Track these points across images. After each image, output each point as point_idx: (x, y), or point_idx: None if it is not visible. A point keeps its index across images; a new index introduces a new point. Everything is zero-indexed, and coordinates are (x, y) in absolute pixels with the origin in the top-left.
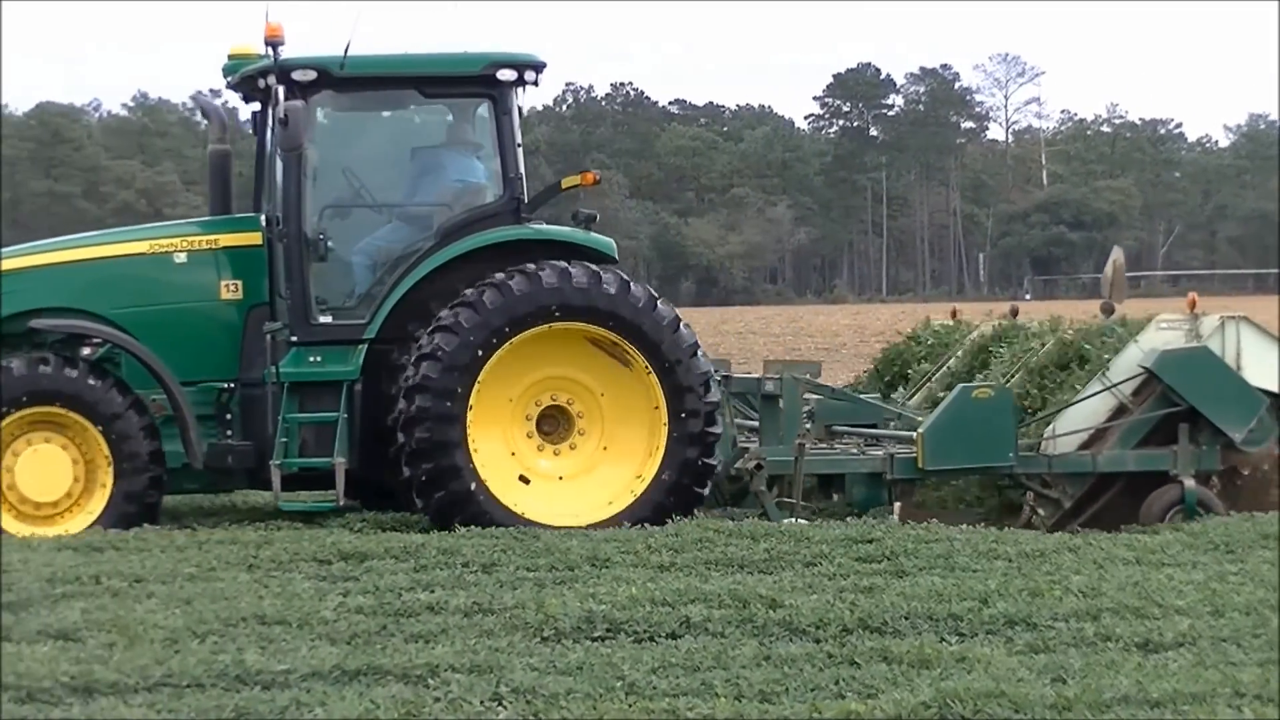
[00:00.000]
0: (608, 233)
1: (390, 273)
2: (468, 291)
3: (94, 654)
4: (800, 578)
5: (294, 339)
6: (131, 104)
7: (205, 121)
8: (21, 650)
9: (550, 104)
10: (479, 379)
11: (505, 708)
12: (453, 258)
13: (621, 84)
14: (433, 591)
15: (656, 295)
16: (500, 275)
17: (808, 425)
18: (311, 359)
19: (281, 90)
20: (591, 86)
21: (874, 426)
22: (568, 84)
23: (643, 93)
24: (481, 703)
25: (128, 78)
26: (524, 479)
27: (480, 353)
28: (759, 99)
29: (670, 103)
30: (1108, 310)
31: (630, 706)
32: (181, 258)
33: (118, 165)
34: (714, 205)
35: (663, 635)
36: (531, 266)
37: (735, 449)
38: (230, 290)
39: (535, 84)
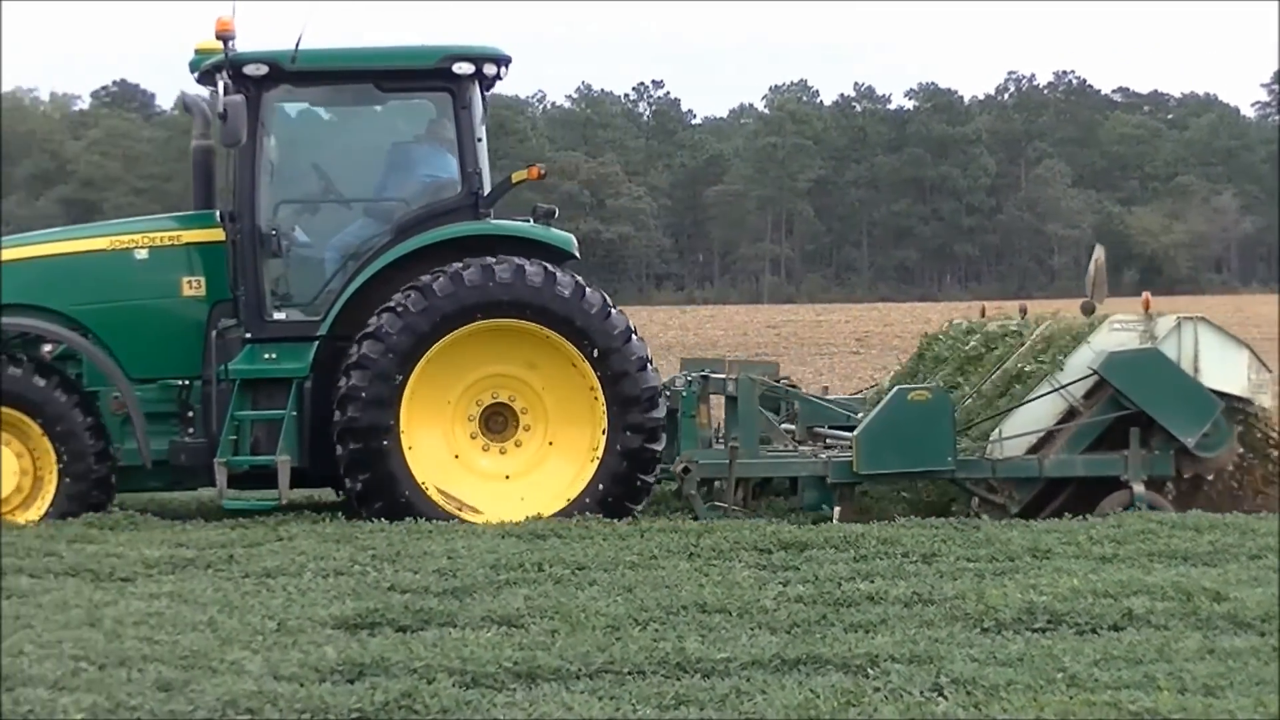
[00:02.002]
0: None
1: (345, 269)
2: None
3: (536, 640)
4: (1245, 570)
5: (247, 335)
6: (575, 95)
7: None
8: (466, 635)
9: (992, 93)
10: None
11: (945, 698)
12: (414, 252)
13: (1064, 72)
14: (873, 581)
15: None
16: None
17: (791, 426)
18: (266, 356)
19: (221, 85)
20: (1034, 75)
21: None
22: (1010, 72)
23: (1085, 81)
24: (921, 693)
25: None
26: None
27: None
28: (1204, 87)
29: (1113, 91)
30: (1088, 310)
31: (1071, 699)
32: (143, 254)
33: (562, 157)
34: (1158, 194)
35: (1105, 627)
36: (459, 265)
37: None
38: (193, 287)
39: (498, 78)
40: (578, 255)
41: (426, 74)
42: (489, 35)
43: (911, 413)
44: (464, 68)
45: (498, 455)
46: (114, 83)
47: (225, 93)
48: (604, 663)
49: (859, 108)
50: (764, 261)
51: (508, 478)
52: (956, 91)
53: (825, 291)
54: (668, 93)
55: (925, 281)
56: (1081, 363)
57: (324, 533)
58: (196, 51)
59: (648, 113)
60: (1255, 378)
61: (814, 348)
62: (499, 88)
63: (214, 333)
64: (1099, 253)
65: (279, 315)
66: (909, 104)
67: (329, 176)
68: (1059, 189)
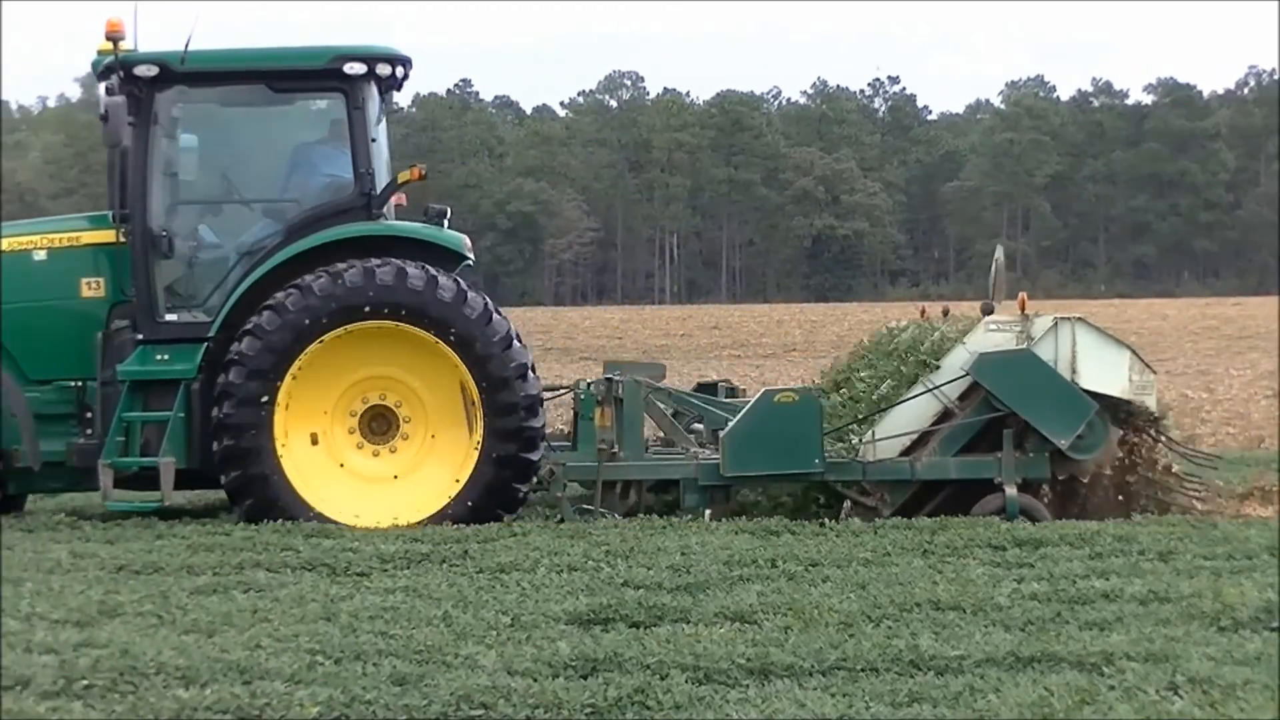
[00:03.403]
0: None
1: (237, 270)
2: (276, 295)
3: (770, 636)
4: None
5: (139, 337)
6: (810, 91)
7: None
8: (699, 631)
9: (1231, 87)
10: (286, 381)
11: (1181, 697)
12: (310, 253)
13: None
14: (1108, 579)
15: (493, 309)
16: (308, 277)
17: (699, 428)
18: (159, 357)
19: (104, 87)
20: (1275, 69)
21: None
22: (1250, 67)
23: None
24: (1157, 691)
25: (807, 66)
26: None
27: (284, 357)
28: None
29: None
30: (987, 310)
31: None
32: (41, 255)
33: (797, 153)
34: None
35: None
36: (342, 265)
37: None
38: (92, 288)
39: (395, 77)
40: (470, 256)
41: (318, 74)
42: (723, 34)
43: (779, 415)
44: (356, 68)
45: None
46: (819, 80)
47: (109, 94)
48: (837, 659)
49: (1096, 103)
50: None
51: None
52: (1195, 86)
53: (1061, 288)
54: (903, 88)
55: (1163, 278)
56: (956, 363)
57: (558, 528)
58: (99, 52)
59: (883, 108)
60: (1137, 379)
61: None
62: (727, 82)
63: (100, 334)
64: (999, 253)
65: (171, 316)
66: (1147, 99)
67: (223, 177)
68: None
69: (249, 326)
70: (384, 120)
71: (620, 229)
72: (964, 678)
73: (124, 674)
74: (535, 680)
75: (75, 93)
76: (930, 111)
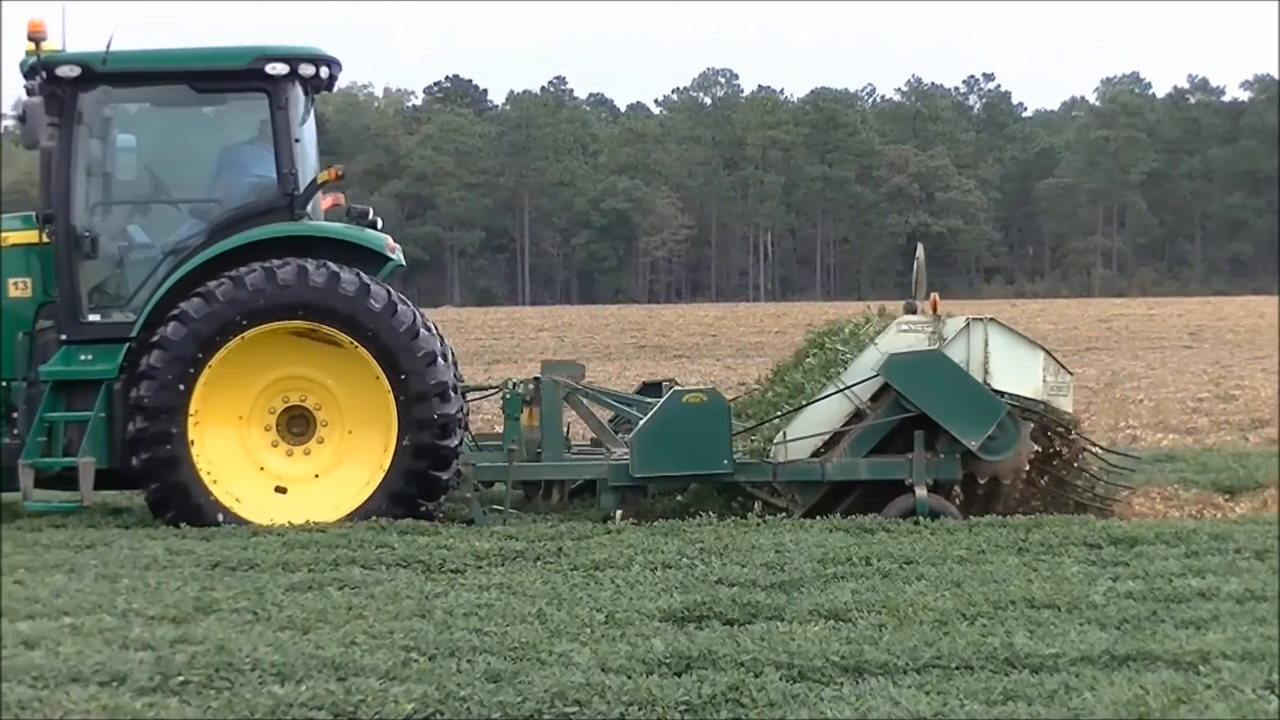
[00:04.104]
0: None
1: (160, 270)
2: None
3: (864, 634)
4: None
5: (63, 337)
6: (905, 89)
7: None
8: (793, 629)
9: None
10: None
11: (1278, 696)
12: (234, 254)
13: None
14: (1204, 578)
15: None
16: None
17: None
18: (82, 357)
19: (23, 87)
20: None
21: None
22: None
23: None
24: (1254, 690)
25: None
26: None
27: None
28: None
29: None
30: (910, 310)
31: None
32: None
33: (891, 150)
34: None
35: None
36: (245, 269)
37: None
38: (18, 288)
39: (319, 77)
40: (391, 256)
41: (240, 75)
42: (816, 33)
43: (687, 416)
44: (278, 68)
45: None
46: (446, 78)
47: (29, 94)
48: (932, 657)
49: (1192, 99)
50: (1095, 255)
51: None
52: None
53: (1157, 285)
54: (998, 85)
55: (1260, 275)
56: (868, 364)
57: (652, 526)
58: (27, 53)
59: (978, 105)
60: (1052, 380)
61: (1145, 342)
62: (822, 80)
63: (21, 334)
64: (920, 252)
65: (94, 317)
66: (1244, 95)
67: (148, 178)
68: None
69: (156, 338)
70: (310, 120)
71: (714, 226)
72: (1059, 676)
73: (220, 670)
74: (629, 677)
75: None
76: (1025, 108)
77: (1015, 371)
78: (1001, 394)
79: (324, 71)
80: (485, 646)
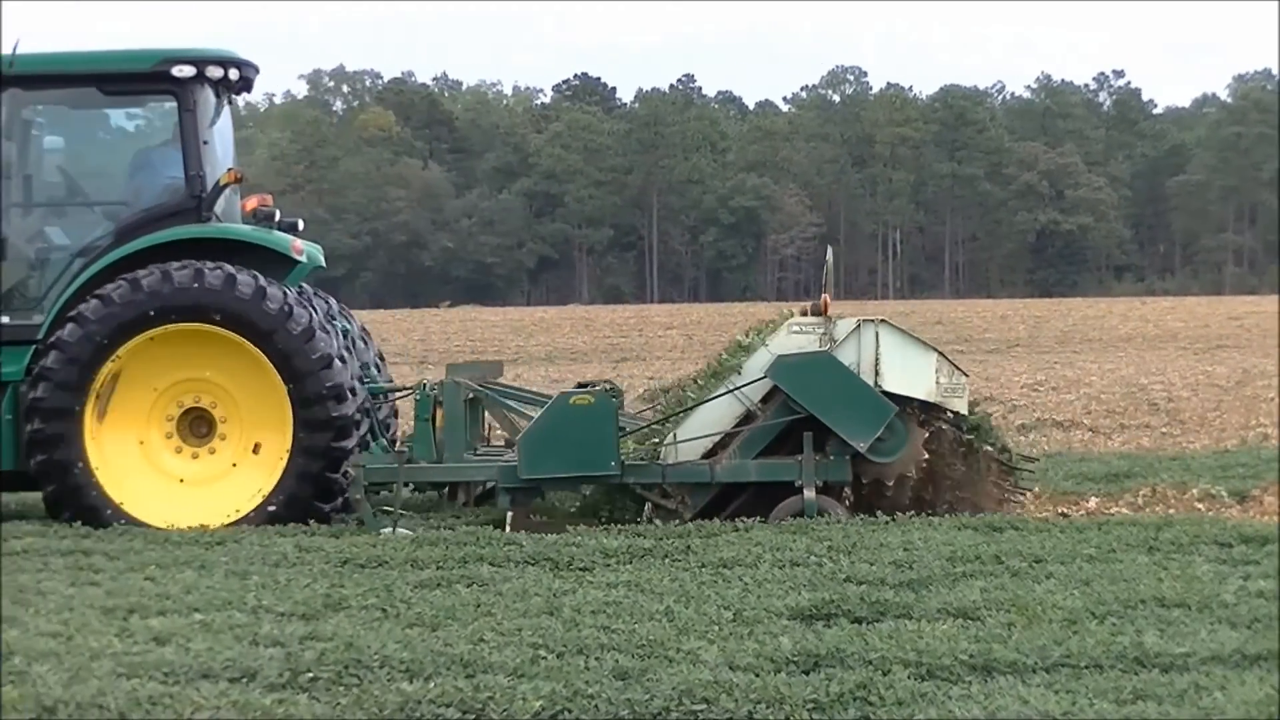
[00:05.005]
0: None
1: (67, 272)
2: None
3: (993, 633)
4: None
5: None
6: (1034, 85)
7: None
8: (922, 627)
9: None
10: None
11: None
12: (142, 253)
13: None
14: None
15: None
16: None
17: None
18: None
19: None
20: None
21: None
22: None
23: None
24: None
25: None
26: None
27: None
28: None
29: None
30: (815, 310)
31: None
32: None
33: (1020, 147)
34: None
35: None
36: (143, 271)
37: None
38: None
39: (230, 79)
40: (299, 258)
41: (147, 77)
42: (945, 31)
43: (574, 417)
44: (184, 70)
45: (194, 459)
46: (575, 76)
47: None
48: (1061, 656)
49: None
50: (1226, 252)
51: (206, 481)
52: None
53: None
54: (1128, 82)
55: None
56: (759, 365)
57: (781, 524)
58: None
59: (1108, 102)
60: (945, 382)
61: (1276, 340)
62: (954, 77)
63: None
64: (829, 255)
65: (3, 319)
66: None
67: (59, 180)
68: None
69: (52, 340)
70: (223, 122)
71: (843, 224)
72: (1189, 675)
73: (349, 667)
74: (757, 675)
75: (302, 90)
76: (1155, 105)
77: (907, 373)
78: (894, 396)
79: (233, 73)
80: (613, 644)
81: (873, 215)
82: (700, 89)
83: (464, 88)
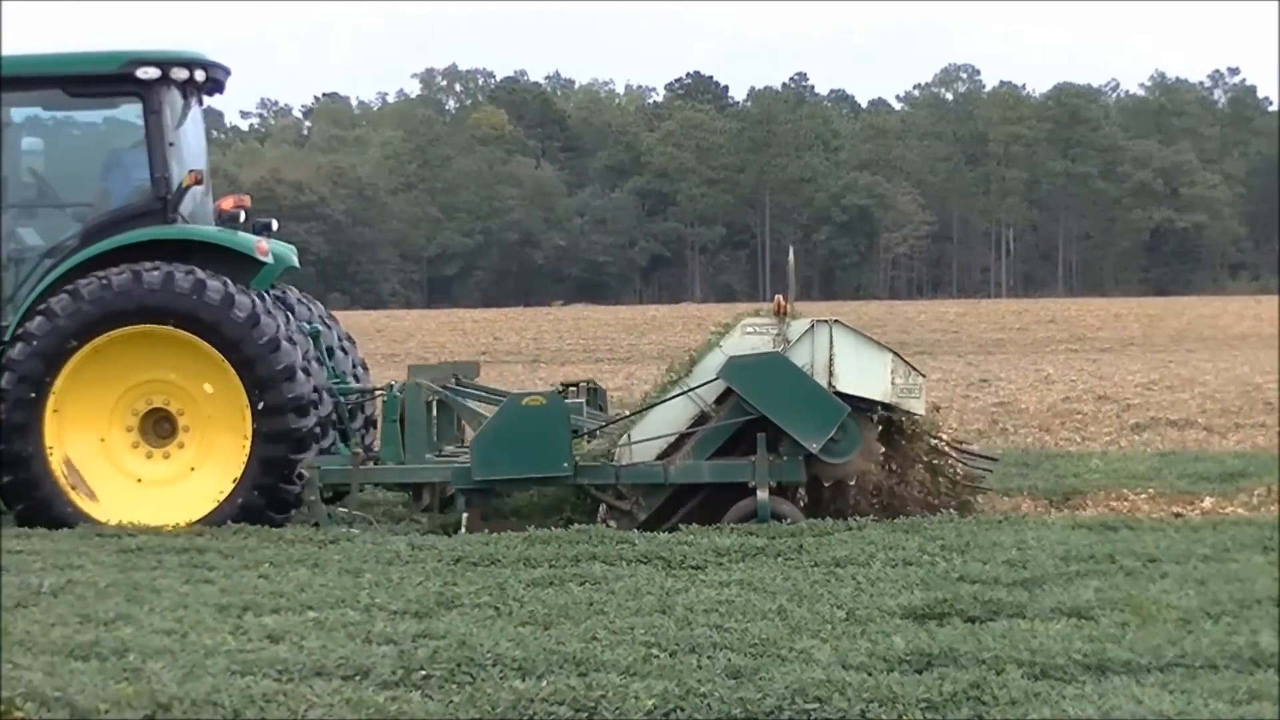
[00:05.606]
0: None
1: (35, 273)
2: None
3: (1107, 632)
4: None
5: None
6: (1149, 83)
7: None
8: (1035, 627)
9: None
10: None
11: None
12: (110, 255)
13: None
14: None
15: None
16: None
17: None
18: None
19: None
20: None
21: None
22: None
23: None
24: None
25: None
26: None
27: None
28: None
29: None
30: (779, 310)
31: None
32: None
33: (1135, 145)
34: None
35: None
36: (114, 270)
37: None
38: None
39: (194, 80)
40: (264, 260)
41: (112, 79)
42: (1058, 29)
43: (526, 419)
44: (149, 72)
45: (154, 460)
46: (687, 75)
47: None
48: (1175, 656)
49: None
50: None
51: (165, 482)
52: None
53: None
54: (1243, 79)
55: None
56: (713, 366)
57: (893, 523)
58: None
59: (1223, 100)
60: (901, 382)
61: None
62: (1064, 75)
63: None
64: (791, 255)
65: None
66: None
67: (28, 181)
68: None
69: (20, 332)
70: (192, 123)
71: (955, 222)
72: None
73: (461, 665)
74: (870, 674)
75: (414, 89)
76: (1270, 103)
77: (862, 374)
78: (849, 397)
79: (200, 74)
80: (725, 643)
81: (986, 213)
82: (812, 87)
83: (576, 86)
